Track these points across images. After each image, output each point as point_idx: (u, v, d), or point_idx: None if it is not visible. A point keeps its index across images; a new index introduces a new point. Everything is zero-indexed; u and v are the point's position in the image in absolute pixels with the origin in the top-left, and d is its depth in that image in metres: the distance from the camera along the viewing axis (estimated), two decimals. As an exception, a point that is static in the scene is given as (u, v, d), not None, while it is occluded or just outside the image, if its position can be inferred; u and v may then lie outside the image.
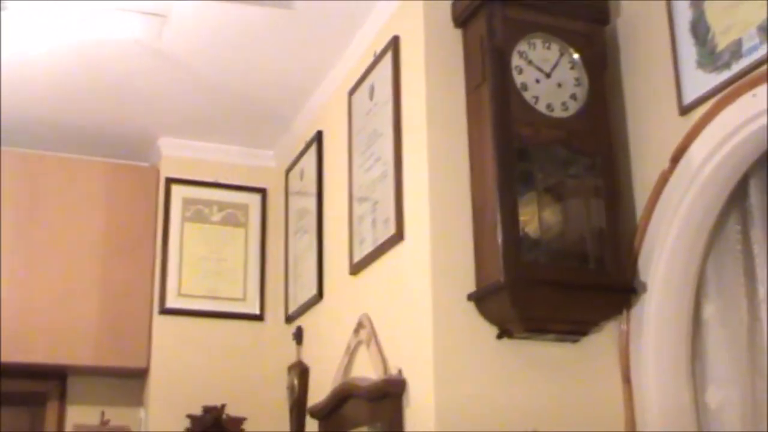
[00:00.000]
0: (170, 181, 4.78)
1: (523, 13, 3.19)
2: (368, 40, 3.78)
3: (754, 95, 2.70)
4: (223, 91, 4.33)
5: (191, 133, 4.76)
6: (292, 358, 4.30)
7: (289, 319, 4.47)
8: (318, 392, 3.91)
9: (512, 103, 3.07)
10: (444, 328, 2.99)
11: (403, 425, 3.09)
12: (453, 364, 2.97)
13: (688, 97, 2.94)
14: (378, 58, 3.63)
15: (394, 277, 3.34)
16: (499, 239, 2.91)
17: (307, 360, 4.20)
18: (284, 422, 4.26)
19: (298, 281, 4.40)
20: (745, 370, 2.96)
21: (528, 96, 3.11)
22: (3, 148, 4.62)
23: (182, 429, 4.37)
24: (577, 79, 3.21)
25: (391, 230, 3.34)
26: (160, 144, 4.81)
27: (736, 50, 2.78)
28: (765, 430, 2.84)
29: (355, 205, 3.74)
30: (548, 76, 3.18)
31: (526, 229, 3.05)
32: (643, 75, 3.22)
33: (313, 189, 4.28)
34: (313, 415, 3.86)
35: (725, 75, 2.80)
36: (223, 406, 4.39)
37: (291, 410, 4.20)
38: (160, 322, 4.60)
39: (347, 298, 3.77)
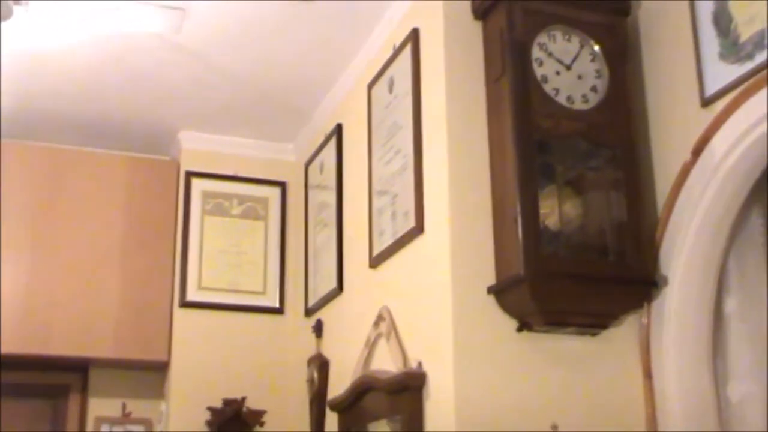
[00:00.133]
0: (190, 174, 4.79)
1: (543, 5, 3.18)
2: (388, 33, 3.77)
3: (776, 86, 2.68)
4: (242, 84, 4.34)
5: (211, 126, 4.77)
6: (311, 351, 4.30)
7: (308, 312, 4.47)
8: (338, 385, 3.92)
9: (532, 95, 3.06)
10: (464, 321, 2.99)
11: (422, 418, 3.09)
12: (473, 357, 2.96)
13: (710, 89, 2.92)
14: (397, 51, 3.62)
15: (413, 270, 3.34)
16: (520, 232, 2.90)
17: (326, 353, 4.21)
18: (304, 415, 4.27)
19: (317, 274, 4.41)
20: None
21: (548, 88, 3.10)
22: (25, 141, 4.66)
23: (203, 422, 4.39)
24: (597, 71, 3.19)
25: (411, 223, 3.33)
26: (180, 137, 4.83)
27: (759, 41, 2.75)
28: (787, 424, 2.83)
29: (375, 198, 3.73)
30: (568, 68, 3.17)
31: (547, 222, 3.04)
32: (664, 66, 3.20)
33: (333, 182, 4.28)
34: (333, 408, 3.86)
35: (748, 66, 2.78)
36: (243, 399, 4.40)
37: (311, 403, 4.20)
38: (180, 315, 4.62)
39: (367, 291, 3.77)
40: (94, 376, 4.75)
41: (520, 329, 3.02)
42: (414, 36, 3.48)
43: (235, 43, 3.99)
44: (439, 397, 3.02)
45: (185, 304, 4.61)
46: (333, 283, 4.15)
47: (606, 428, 3.00)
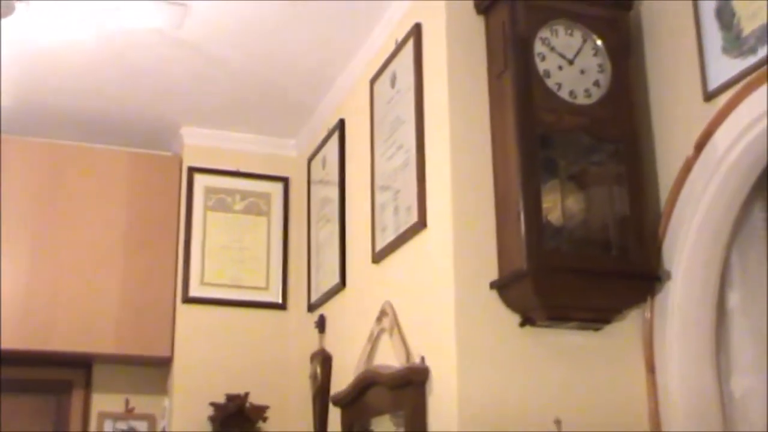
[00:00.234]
0: (192, 170, 4.80)
1: (546, 0, 3.17)
2: (390, 28, 3.77)
3: (780, 81, 2.67)
4: (244, 80, 4.34)
5: (213, 122, 4.77)
6: (314, 347, 4.30)
7: (311, 307, 4.48)
8: (341, 380, 3.92)
9: (535, 90, 3.06)
10: (466, 316, 2.99)
11: (425, 413, 3.09)
12: (476, 351, 2.96)
13: (713, 83, 2.91)
14: (400, 46, 3.62)
15: (416, 265, 3.34)
16: (522, 227, 2.90)
17: (329, 348, 4.21)
18: (307, 410, 4.27)
19: (320, 270, 4.41)
20: (770, 358, 2.94)
21: (551, 83, 3.09)
22: (27, 138, 4.66)
23: (206, 417, 4.39)
24: (600, 66, 3.18)
25: (414, 218, 3.33)
26: (182, 133, 4.83)
27: (761, 35, 2.74)
28: (791, 418, 2.83)
29: (378, 193, 3.73)
30: (571, 62, 3.16)
31: (549, 217, 3.04)
32: (667, 61, 3.19)
33: (336, 177, 4.28)
34: (336, 403, 3.87)
35: (751, 60, 2.77)
36: (246, 395, 4.41)
37: (314, 398, 4.21)
38: (183, 310, 4.62)
39: (370, 286, 3.77)
40: (98, 372, 4.76)
41: (522, 324, 3.02)
42: (416, 31, 3.48)
43: (237, 38, 3.99)
44: (442, 392, 3.02)
45: (188, 300, 4.62)
46: (336, 279, 4.15)
47: (609, 423, 3.00)
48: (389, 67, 3.72)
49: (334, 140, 4.35)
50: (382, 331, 3.54)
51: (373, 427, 3.62)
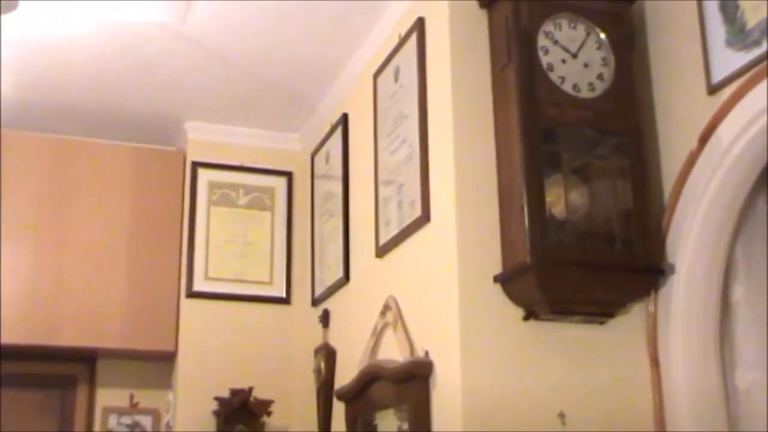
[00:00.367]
0: (196, 164, 4.80)
1: (549, -7, 3.17)
2: (393, 22, 3.76)
3: (784, 73, 2.67)
4: (248, 74, 4.34)
5: (217, 116, 4.77)
6: (318, 341, 4.31)
7: (315, 302, 4.48)
8: (345, 375, 3.92)
9: (538, 83, 3.05)
10: (470, 310, 2.99)
11: (429, 407, 3.09)
12: (479, 345, 2.96)
13: (717, 76, 2.90)
14: (403, 40, 3.61)
15: (420, 259, 3.34)
16: (526, 220, 2.90)
17: (333, 343, 4.21)
18: (311, 405, 4.28)
19: (324, 264, 4.41)
20: (775, 351, 2.94)
21: (554, 76, 3.09)
22: (30, 133, 4.67)
23: (210, 411, 4.40)
24: (603, 59, 3.18)
25: (417, 212, 3.33)
26: (186, 128, 4.83)
27: (765, 27, 2.73)
28: (795, 411, 2.82)
29: (381, 187, 3.73)
30: (574, 56, 3.16)
31: (553, 210, 3.03)
32: (670, 54, 3.18)
33: (339, 172, 4.28)
34: (340, 397, 3.87)
35: (755, 53, 2.76)
36: (250, 389, 4.41)
37: (318, 393, 4.21)
38: (187, 305, 4.63)
39: (373, 280, 3.77)
40: (102, 367, 4.77)
41: (526, 318, 3.02)
42: (419, 25, 3.47)
43: (240, 33, 3.98)
44: (446, 386, 3.02)
45: (192, 295, 4.62)
46: (339, 273, 4.15)
47: (613, 417, 3.00)
48: (392, 61, 3.72)
49: (338, 135, 4.35)
50: (385, 325, 3.54)
51: (377, 422, 3.62)
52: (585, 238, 3.07)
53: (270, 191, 4.87)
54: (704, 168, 2.94)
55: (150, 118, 4.76)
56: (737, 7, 2.85)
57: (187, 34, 3.98)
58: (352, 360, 3.84)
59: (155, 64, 4.23)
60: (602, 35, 3.20)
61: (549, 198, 2.99)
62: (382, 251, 3.67)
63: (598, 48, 3.19)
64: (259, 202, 4.84)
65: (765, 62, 2.72)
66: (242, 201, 4.82)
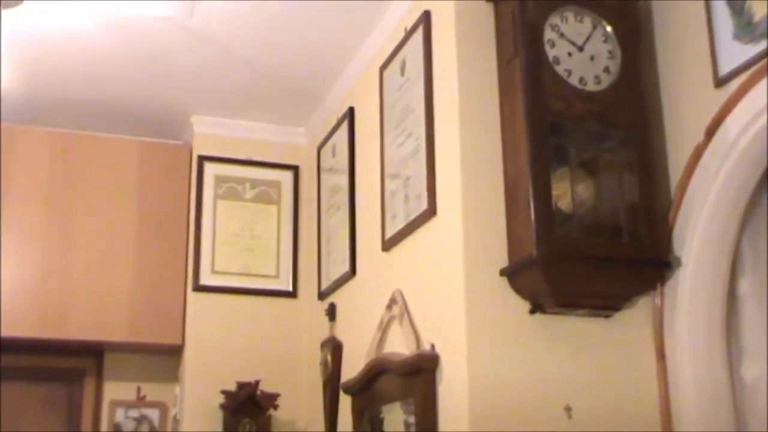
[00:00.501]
0: (203, 158, 4.81)
1: (555, -14, 3.17)
2: (399, 16, 3.76)
3: (791, 66, 2.66)
4: (254, 68, 4.34)
5: (223, 110, 4.77)
6: (325, 335, 4.31)
7: (322, 295, 4.48)
8: (351, 368, 3.93)
9: (544, 76, 3.05)
10: (476, 303, 2.99)
11: (436, 400, 3.09)
12: (486, 339, 2.96)
13: (724, 69, 2.89)
14: (409, 34, 3.61)
15: (426, 253, 3.34)
16: (532, 214, 2.90)
17: (340, 336, 4.22)
18: (318, 398, 4.28)
19: (330, 258, 4.42)
20: (782, 344, 2.93)
21: (560, 70, 3.08)
22: (38, 127, 4.68)
23: (217, 405, 4.41)
24: (610, 52, 3.17)
25: (424, 205, 3.33)
26: (192, 122, 4.83)
27: (772, 21, 2.73)
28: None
29: (387, 181, 3.73)
30: (581, 49, 3.15)
31: (559, 204, 3.03)
32: (677, 47, 3.17)
33: (345, 165, 4.28)
34: (347, 390, 3.88)
35: (762, 46, 2.75)
36: (257, 383, 4.42)
37: (324, 386, 4.22)
38: (194, 299, 4.64)
39: (380, 274, 3.78)
40: (109, 360, 4.79)
41: (532, 311, 3.02)
42: (426, 18, 3.47)
43: (246, 26, 3.98)
44: (452, 379, 3.02)
45: (199, 288, 4.63)
46: (346, 267, 4.15)
47: (619, 410, 3.01)
48: (399, 54, 3.71)
49: (344, 128, 4.35)
50: (392, 318, 3.54)
51: (383, 415, 3.62)
52: (591, 232, 3.07)
53: (276, 185, 4.88)
54: (711, 161, 2.94)
55: (156, 112, 4.77)
56: (744, 0, 2.84)
57: (194, 29, 3.98)
58: (358, 353, 3.84)
59: (161, 58, 4.23)
60: (608, 28, 3.19)
61: (555, 191, 2.99)
62: (388, 245, 3.68)
63: (605, 41, 3.18)
64: (266, 195, 4.85)
65: (772, 55, 2.72)
66: (248, 195, 4.82)
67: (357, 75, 4.25)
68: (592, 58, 3.15)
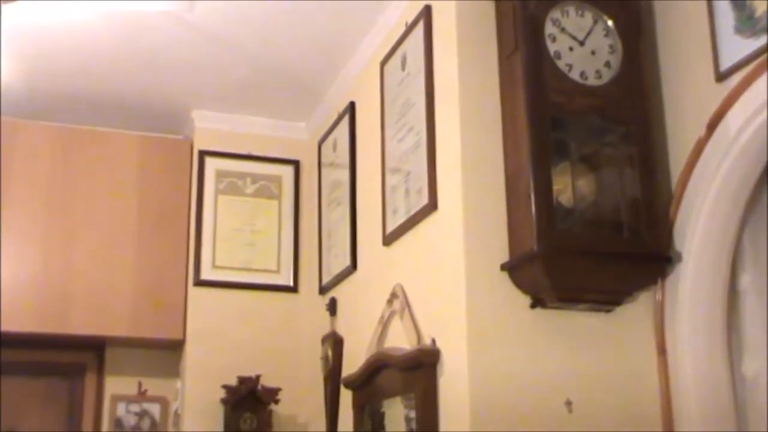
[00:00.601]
0: (204, 153, 4.80)
1: (557, -20, 3.16)
2: (400, 11, 3.75)
3: (792, 61, 2.65)
4: (255, 63, 4.34)
5: (224, 105, 4.77)
6: (326, 329, 4.31)
7: (322, 290, 4.48)
8: (352, 363, 3.93)
9: (545, 71, 3.04)
10: (477, 298, 2.99)
11: (436, 395, 3.09)
12: (486, 333, 2.96)
13: (725, 63, 2.89)
14: (410, 28, 3.61)
15: (427, 247, 3.34)
16: (533, 208, 2.90)
17: (341, 331, 4.22)
18: (319, 393, 4.28)
19: (331, 252, 4.42)
20: (782, 339, 2.93)
21: (561, 64, 3.08)
22: (38, 122, 4.67)
23: (218, 399, 4.41)
24: (611, 47, 3.17)
25: (424, 200, 3.33)
26: (193, 116, 4.83)
27: (774, 15, 2.73)
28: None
29: (388, 175, 3.73)
30: (582, 43, 3.15)
31: (560, 198, 3.03)
32: (678, 41, 3.17)
33: (346, 160, 4.28)
34: (347, 385, 3.88)
35: (763, 40, 2.74)
36: (258, 377, 4.42)
37: (325, 381, 4.22)
38: (195, 293, 4.64)
39: (380, 268, 3.78)
40: (110, 355, 4.79)
41: (533, 306, 3.02)
42: (426, 13, 3.46)
43: (247, 21, 3.98)
44: (452, 373, 3.03)
45: (200, 283, 4.63)
46: (347, 261, 4.15)
47: (620, 405, 3.01)
48: (399, 49, 3.71)
49: (345, 123, 4.35)
50: (393, 313, 3.54)
51: (384, 409, 3.63)
52: (592, 226, 3.06)
53: (277, 180, 4.87)
54: (712, 155, 2.93)
55: (157, 107, 4.77)
56: (746, -5, 2.84)
57: (194, 23, 3.97)
58: (359, 348, 3.84)
59: (162, 52, 4.23)
60: (610, 22, 3.19)
61: (556, 186, 2.98)
62: (389, 239, 3.67)
63: (606, 35, 3.18)
64: (267, 190, 4.85)
65: (773, 49, 2.71)
66: (249, 189, 4.82)
67: (358, 70, 4.25)
68: (593, 52, 3.14)
